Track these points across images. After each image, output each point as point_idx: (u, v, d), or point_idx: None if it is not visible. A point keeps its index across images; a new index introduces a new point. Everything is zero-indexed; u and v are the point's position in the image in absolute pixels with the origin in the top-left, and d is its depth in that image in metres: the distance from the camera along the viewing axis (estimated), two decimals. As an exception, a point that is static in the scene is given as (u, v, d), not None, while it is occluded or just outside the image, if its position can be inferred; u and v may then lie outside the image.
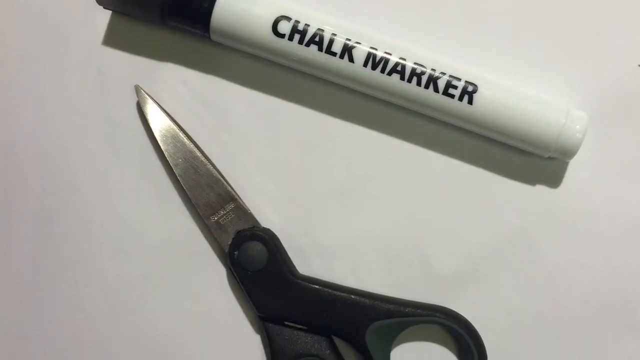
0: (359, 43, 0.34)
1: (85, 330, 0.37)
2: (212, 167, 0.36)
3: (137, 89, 0.36)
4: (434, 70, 0.34)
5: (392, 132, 0.36)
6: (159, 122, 0.36)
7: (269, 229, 0.36)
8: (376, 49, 0.34)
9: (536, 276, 0.36)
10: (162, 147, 0.36)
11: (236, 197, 0.36)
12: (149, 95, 0.36)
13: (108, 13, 0.37)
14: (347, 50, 0.34)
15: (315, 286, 0.35)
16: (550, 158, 0.35)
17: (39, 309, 0.37)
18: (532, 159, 0.36)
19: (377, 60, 0.34)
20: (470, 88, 0.34)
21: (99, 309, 0.37)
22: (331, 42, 0.34)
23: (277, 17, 0.34)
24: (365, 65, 0.34)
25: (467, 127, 0.35)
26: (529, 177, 0.36)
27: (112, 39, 0.37)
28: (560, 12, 0.37)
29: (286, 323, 0.36)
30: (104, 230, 0.37)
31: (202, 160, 0.36)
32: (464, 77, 0.34)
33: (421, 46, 0.35)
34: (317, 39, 0.34)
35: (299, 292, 0.35)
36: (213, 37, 0.35)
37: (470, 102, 0.34)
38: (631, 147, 0.36)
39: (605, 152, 0.36)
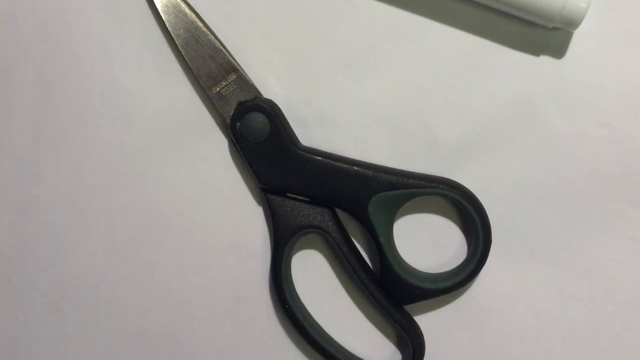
0: None
1: (86, 200, 0.37)
2: (213, 38, 0.35)
3: (139, -41, 0.36)
4: (437, -60, 0.34)
5: (395, 2, 0.36)
6: (160, -8, 0.36)
7: (271, 100, 0.36)
8: None
9: (540, 147, 0.36)
10: (163, 17, 0.35)
11: (238, 67, 0.35)
12: (150, -35, 0.36)
13: None
14: None
15: (318, 157, 0.35)
16: (554, 28, 0.35)
17: (39, 179, 0.37)
18: (536, 30, 0.35)
19: None
20: (474, -42, 0.34)
21: (100, 179, 0.37)
22: None
23: None
24: None
25: (471, -3, 0.35)
26: (533, 47, 0.36)
27: None
28: None
29: (288, 195, 0.35)
30: (104, 100, 0.36)
31: (203, 31, 0.35)
32: (468, -53, 0.34)
33: None
34: None
35: (301, 163, 0.35)
36: None
37: (474, -28, 0.34)
38: (636, 17, 0.35)
39: (610, 22, 0.35)
